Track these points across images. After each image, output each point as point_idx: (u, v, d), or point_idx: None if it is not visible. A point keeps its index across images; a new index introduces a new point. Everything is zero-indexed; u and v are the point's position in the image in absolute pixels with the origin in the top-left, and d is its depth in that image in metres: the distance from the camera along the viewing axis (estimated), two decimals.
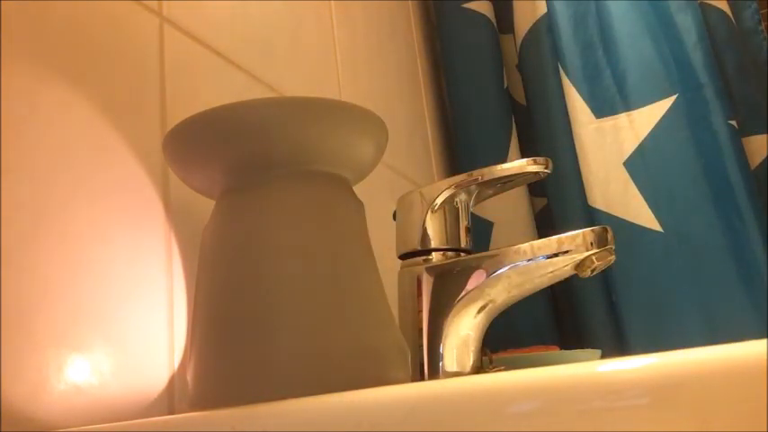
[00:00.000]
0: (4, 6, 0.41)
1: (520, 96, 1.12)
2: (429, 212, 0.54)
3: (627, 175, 0.95)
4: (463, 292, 0.50)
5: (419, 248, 0.54)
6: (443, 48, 1.16)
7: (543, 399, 0.21)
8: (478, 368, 0.52)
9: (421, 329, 0.51)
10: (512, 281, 0.49)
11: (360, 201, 0.41)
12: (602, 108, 0.98)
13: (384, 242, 0.53)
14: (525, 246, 0.49)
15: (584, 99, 0.99)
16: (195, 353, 0.37)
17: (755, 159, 0.96)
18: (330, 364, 0.34)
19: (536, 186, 1.05)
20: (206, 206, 0.42)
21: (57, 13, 0.45)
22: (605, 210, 0.95)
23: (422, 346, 0.51)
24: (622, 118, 0.97)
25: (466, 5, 1.14)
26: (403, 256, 0.55)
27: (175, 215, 0.51)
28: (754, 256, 0.87)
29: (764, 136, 0.97)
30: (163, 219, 0.50)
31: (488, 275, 0.49)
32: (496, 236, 1.05)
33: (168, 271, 0.49)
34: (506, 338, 0.84)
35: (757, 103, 0.99)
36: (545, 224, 1.04)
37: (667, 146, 0.94)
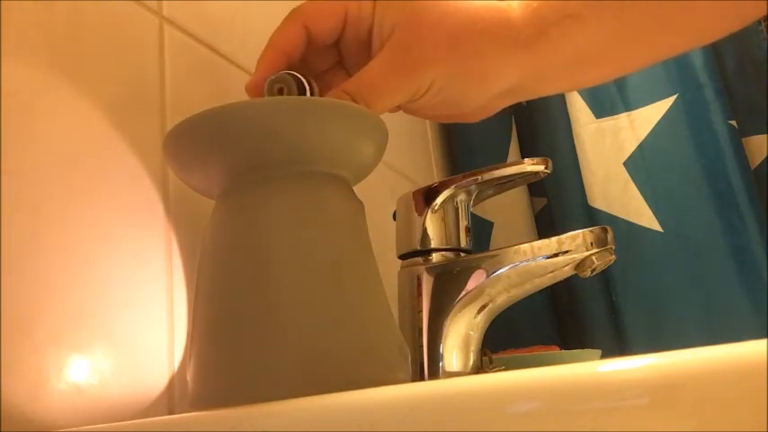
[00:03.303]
0: (3, 6, 0.41)
1: None
2: (429, 212, 0.54)
3: (627, 175, 0.95)
4: (463, 292, 0.50)
5: (419, 248, 0.54)
6: None
7: (543, 399, 0.21)
8: (478, 368, 0.52)
9: (421, 329, 0.51)
10: (512, 281, 0.49)
11: (360, 201, 0.41)
12: (602, 108, 0.98)
13: (384, 242, 0.53)
14: (525, 246, 0.49)
15: (584, 99, 0.99)
16: (195, 353, 0.37)
17: (755, 159, 0.96)
18: (330, 364, 0.34)
19: (536, 186, 1.05)
20: (206, 206, 0.42)
21: (56, 12, 0.45)
22: (605, 210, 0.95)
23: (422, 346, 0.51)
24: (622, 118, 0.97)
25: None
26: (403, 256, 0.55)
27: (175, 215, 0.51)
28: (754, 256, 0.87)
29: (764, 136, 0.97)
30: (163, 219, 0.50)
31: (488, 275, 0.49)
32: (496, 236, 1.05)
33: (168, 271, 0.49)
34: (506, 338, 0.84)
35: (757, 103, 0.99)
36: (545, 224, 1.04)
37: (667, 146, 0.94)
